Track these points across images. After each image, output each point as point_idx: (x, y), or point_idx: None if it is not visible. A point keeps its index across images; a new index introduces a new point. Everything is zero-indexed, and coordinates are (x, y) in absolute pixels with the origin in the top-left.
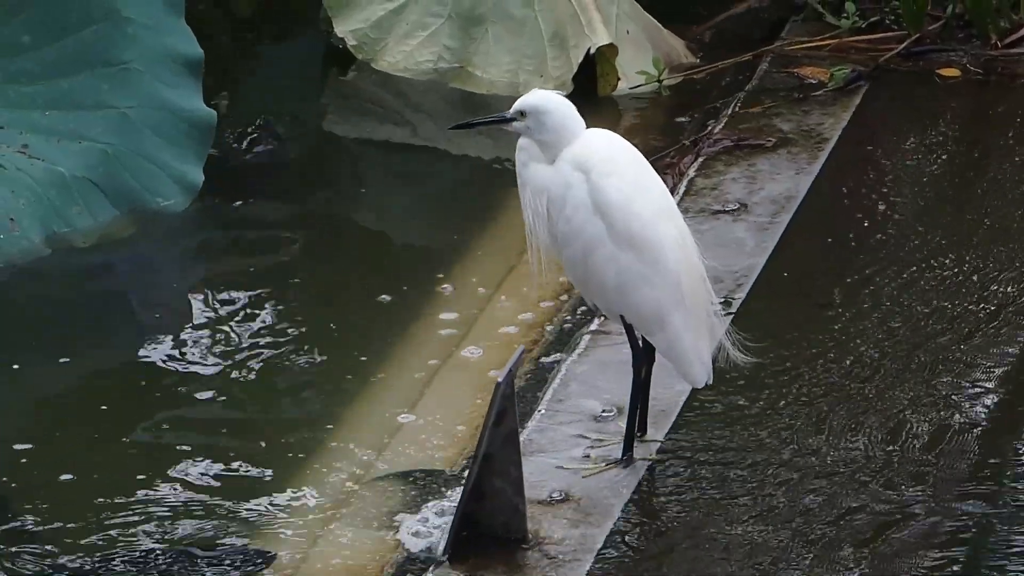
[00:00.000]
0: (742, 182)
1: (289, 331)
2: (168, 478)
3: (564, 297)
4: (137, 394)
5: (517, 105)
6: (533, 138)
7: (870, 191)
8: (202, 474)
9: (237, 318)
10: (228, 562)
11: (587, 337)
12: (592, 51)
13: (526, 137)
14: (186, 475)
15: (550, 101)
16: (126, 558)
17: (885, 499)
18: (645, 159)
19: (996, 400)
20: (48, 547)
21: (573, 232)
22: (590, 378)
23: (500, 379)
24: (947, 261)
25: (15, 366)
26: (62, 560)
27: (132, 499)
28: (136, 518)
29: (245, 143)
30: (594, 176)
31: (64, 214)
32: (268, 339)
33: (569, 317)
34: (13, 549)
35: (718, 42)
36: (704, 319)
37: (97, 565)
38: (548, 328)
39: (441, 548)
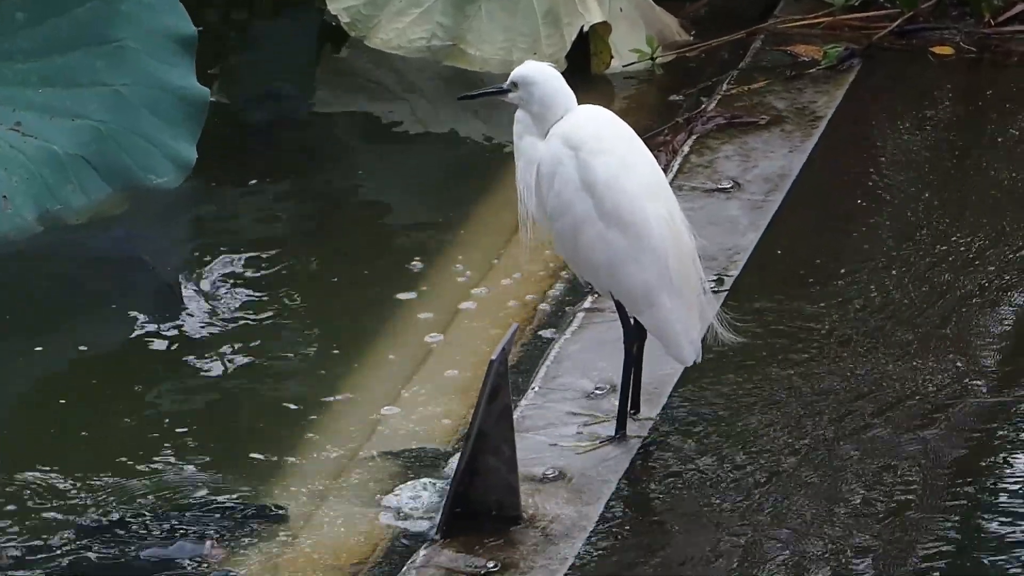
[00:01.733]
0: (735, 160)
1: (281, 309)
2: (154, 455)
3: (556, 274)
4: (128, 371)
5: (511, 76)
6: (526, 110)
7: (863, 168)
8: (189, 452)
9: (229, 295)
10: (222, 522)
11: (580, 315)
12: (585, 29)
13: (522, 109)
14: (174, 453)
15: (539, 73)
16: (119, 518)
17: (879, 479)
18: (637, 136)
19: (990, 373)
20: (61, 511)
21: (562, 207)
22: (583, 356)
23: (494, 356)
24: (940, 238)
25: (7, 342)
26: (76, 521)
27: (116, 470)
28: (122, 489)
29: (238, 120)
30: (583, 153)
31: (57, 192)
32: (260, 316)
33: (560, 294)
34: (24, 512)
35: (711, 20)
36: (693, 298)
37: (106, 525)
38: (540, 306)
39: (435, 525)
